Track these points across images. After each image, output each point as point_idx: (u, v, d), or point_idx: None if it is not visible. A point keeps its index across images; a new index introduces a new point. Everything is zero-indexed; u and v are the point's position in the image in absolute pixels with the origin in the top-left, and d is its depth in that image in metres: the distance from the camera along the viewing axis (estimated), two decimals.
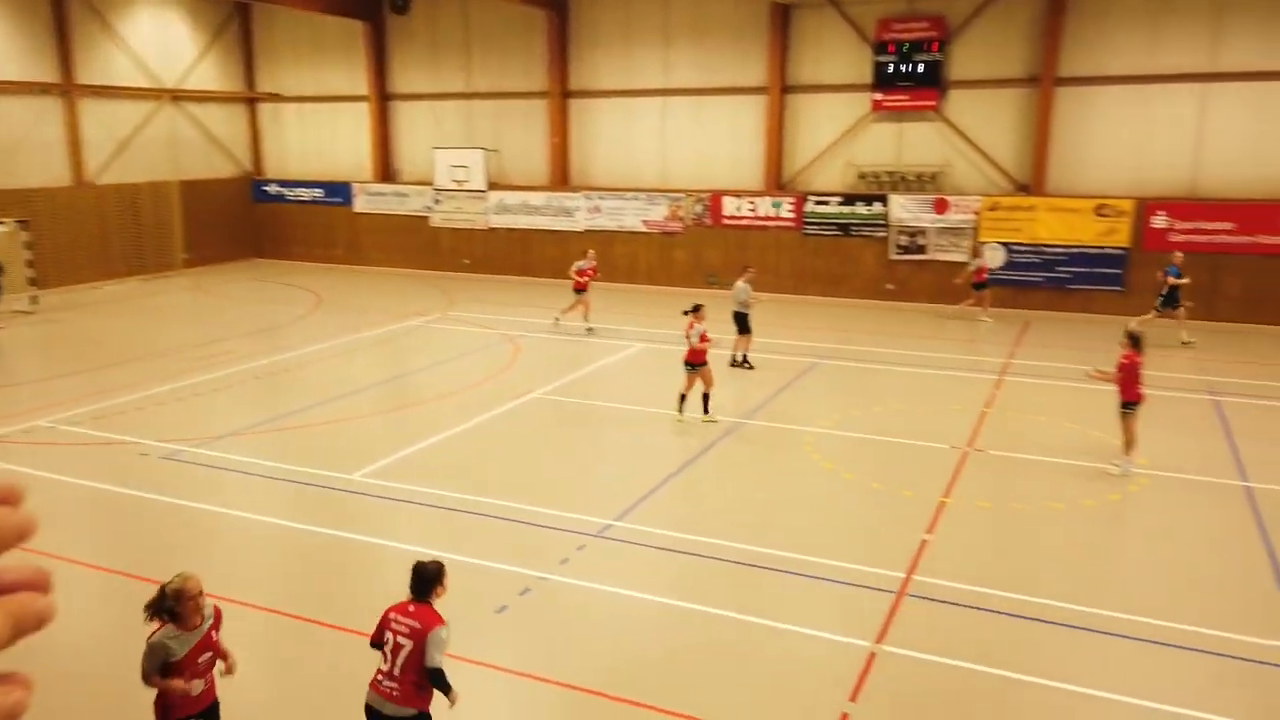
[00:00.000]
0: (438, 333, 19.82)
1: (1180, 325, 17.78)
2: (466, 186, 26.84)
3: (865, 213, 22.45)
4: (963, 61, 21.65)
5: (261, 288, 25.65)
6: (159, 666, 5.18)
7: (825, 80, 22.92)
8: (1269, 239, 19.25)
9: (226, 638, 5.56)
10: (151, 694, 5.30)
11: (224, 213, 29.57)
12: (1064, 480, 11.22)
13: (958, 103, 21.83)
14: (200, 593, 5.30)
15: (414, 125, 28.26)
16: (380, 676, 5.38)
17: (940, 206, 21.75)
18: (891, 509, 10.40)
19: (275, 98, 30.04)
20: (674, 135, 24.84)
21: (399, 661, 5.29)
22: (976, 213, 21.42)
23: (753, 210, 23.62)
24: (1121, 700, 6.83)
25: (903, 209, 22.08)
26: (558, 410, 14.23)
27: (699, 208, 24.17)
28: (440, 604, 5.51)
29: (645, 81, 24.82)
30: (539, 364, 16.92)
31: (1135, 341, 11.22)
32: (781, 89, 23.11)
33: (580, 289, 19.18)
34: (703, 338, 13.00)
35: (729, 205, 23.84)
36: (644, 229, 24.88)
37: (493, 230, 26.93)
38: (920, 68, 21.59)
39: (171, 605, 5.22)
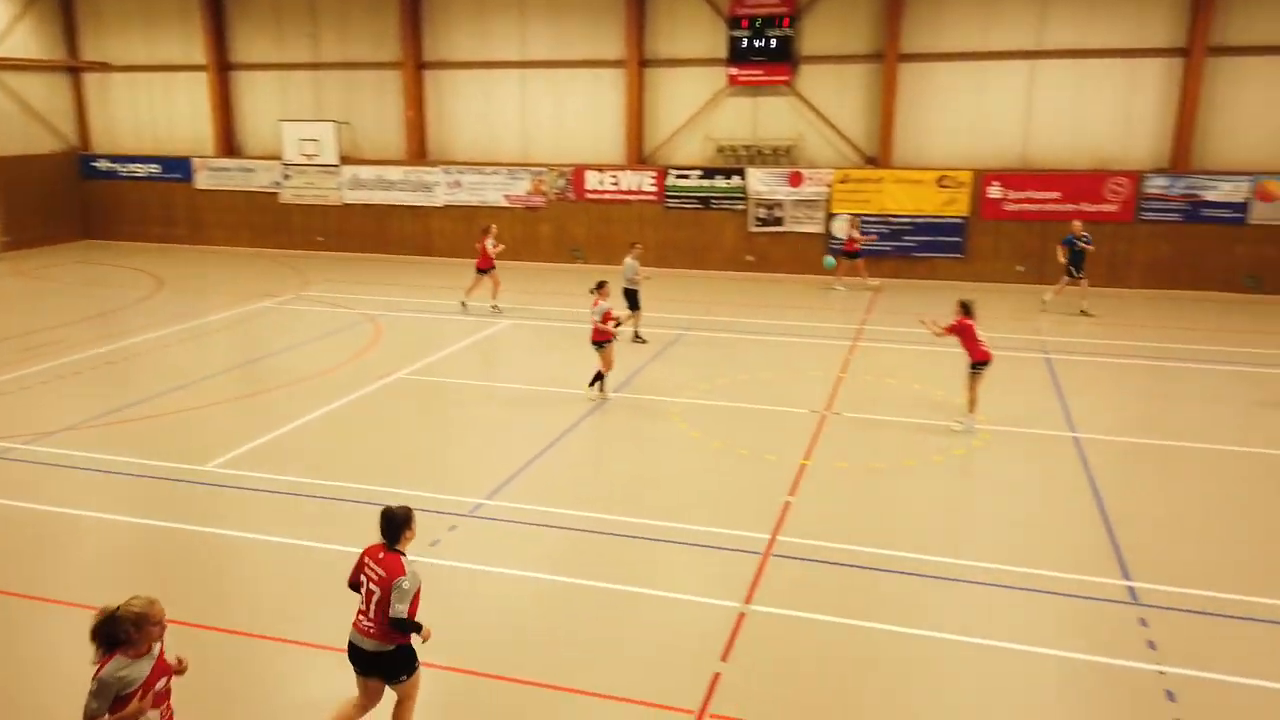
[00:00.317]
0: (292, 314, 19.05)
1: (1083, 294, 18.60)
2: (317, 161, 25.79)
3: (724, 186, 22.90)
4: (813, 37, 22.28)
5: (93, 271, 23.97)
6: (109, 703, 4.60)
7: (682, 55, 23.15)
8: (1092, 207, 20.77)
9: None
10: None
11: (47, 191, 27.42)
12: (914, 439, 11.87)
13: (809, 78, 22.47)
14: (164, 616, 4.80)
15: (258, 97, 26.87)
16: (360, 615, 5.65)
17: (795, 179, 22.41)
18: (756, 474, 10.75)
19: (103, 67, 27.93)
20: (534, 109, 24.58)
21: (372, 605, 5.59)
22: (829, 185, 22.18)
23: (615, 184, 23.70)
24: (974, 642, 7.34)
25: (760, 182, 22.63)
26: (423, 390, 13.98)
27: (561, 182, 24.06)
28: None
29: (502, 54, 24.42)
30: (402, 344, 16.53)
31: (966, 309, 12.01)
32: (639, 62, 23.20)
33: (485, 268, 18.73)
34: (605, 317, 12.90)
35: (591, 179, 23.83)
36: (506, 204, 24.59)
37: (347, 206, 26.02)
38: (773, 43, 22.09)
39: (128, 631, 4.66)
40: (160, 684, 4.84)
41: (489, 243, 18.74)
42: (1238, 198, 20.01)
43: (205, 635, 7.42)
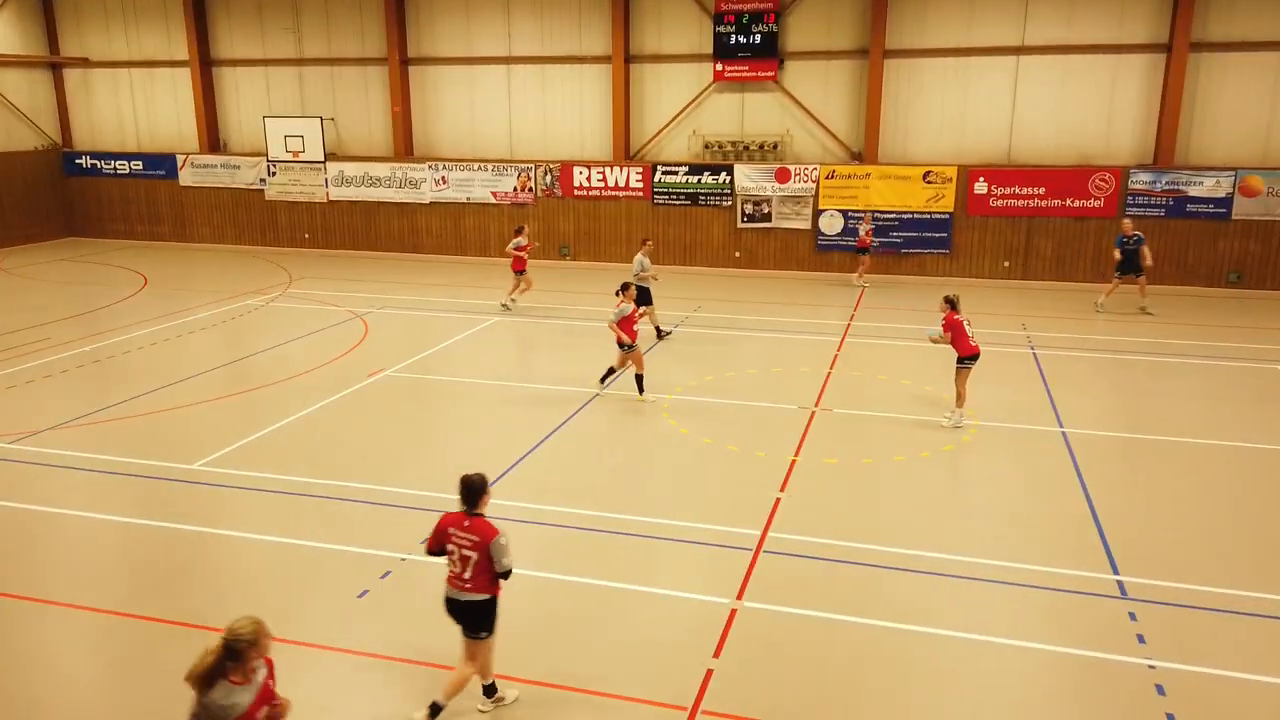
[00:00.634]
0: (280, 311, 18.95)
1: (1141, 293, 18.53)
2: (303, 158, 25.65)
3: (712, 182, 22.91)
4: (798, 33, 22.30)
5: (77, 269, 23.77)
6: None
7: (668, 50, 23.14)
8: (1075, 202, 20.90)
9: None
10: None
11: (29, 188, 27.20)
12: (904, 434, 11.91)
13: (795, 74, 22.50)
14: (269, 641, 4.67)
15: (242, 93, 26.70)
16: (452, 576, 6.24)
17: (782, 176, 22.44)
18: (746, 470, 10.77)
19: (84, 63, 27.68)
20: (521, 105, 24.51)
21: (469, 567, 6.15)
22: (816, 181, 22.22)
23: (603, 181, 23.67)
24: (965, 637, 7.38)
25: (747, 178, 22.65)
26: (413, 388, 13.93)
27: (549, 179, 24.01)
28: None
29: (488, 49, 24.34)
30: (391, 341, 16.47)
31: (952, 304, 12.05)
32: (626, 58, 23.17)
33: (519, 269, 18.54)
34: (626, 323, 12.80)
35: (579, 176, 23.79)
36: (494, 201, 24.52)
37: (333, 203, 25.89)
38: (758, 39, 22.10)
39: (240, 654, 4.52)
40: (261, 713, 4.71)
41: (517, 241, 18.50)
42: (1221, 193, 20.16)
43: (195, 634, 7.38)
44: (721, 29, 22.24)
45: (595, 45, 23.52)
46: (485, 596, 6.21)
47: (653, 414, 12.64)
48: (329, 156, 25.62)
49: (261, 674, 4.69)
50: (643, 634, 7.42)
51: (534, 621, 7.61)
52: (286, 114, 25.99)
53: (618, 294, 13.45)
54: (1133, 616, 7.63)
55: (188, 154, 26.90)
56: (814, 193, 22.30)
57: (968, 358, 12.02)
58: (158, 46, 26.88)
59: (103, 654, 7.28)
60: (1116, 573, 8.35)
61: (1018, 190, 21.18)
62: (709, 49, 22.61)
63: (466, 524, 6.19)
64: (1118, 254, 18.63)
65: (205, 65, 26.42)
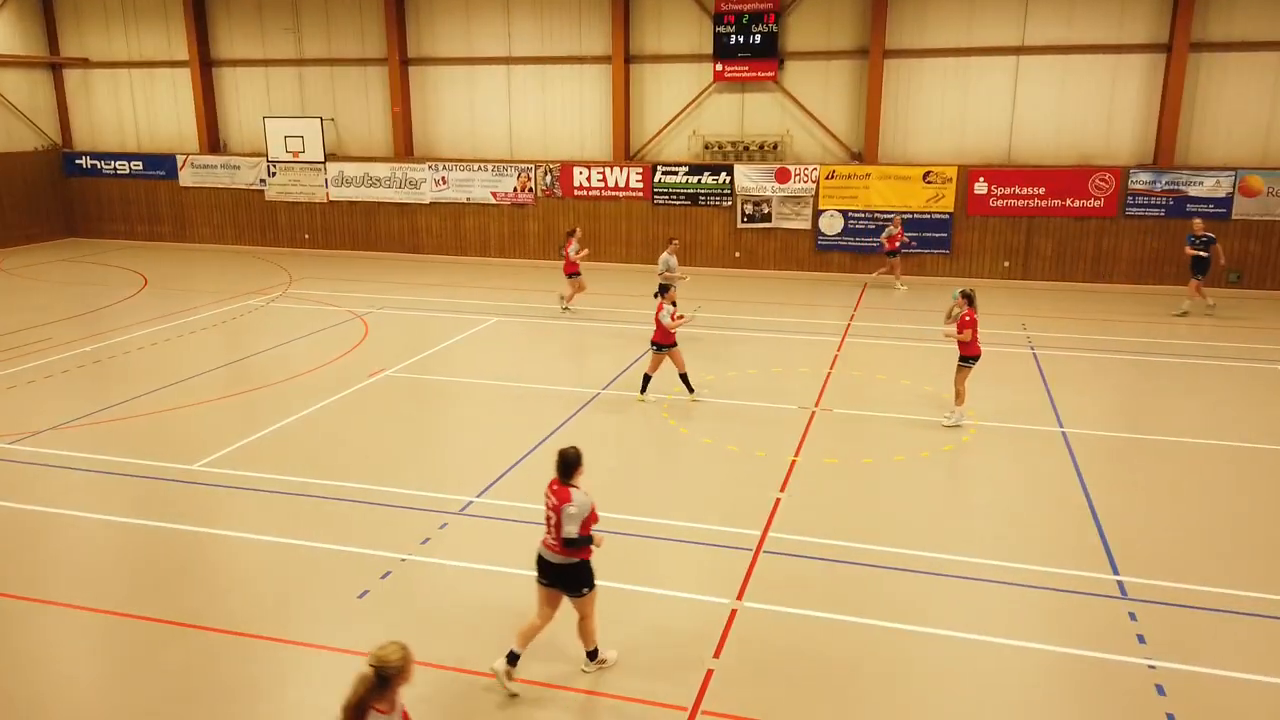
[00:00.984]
0: (280, 312, 18.96)
1: (1191, 294, 18.34)
2: (303, 158, 25.65)
3: (712, 182, 22.91)
4: (798, 33, 22.30)
5: (78, 269, 23.78)
6: None
7: (668, 50, 23.14)
8: (1075, 202, 20.90)
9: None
10: None
11: (30, 189, 27.21)
12: (904, 434, 11.91)
13: (795, 74, 22.50)
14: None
15: (242, 93, 26.71)
16: (546, 536, 6.69)
17: (782, 176, 22.44)
18: (746, 470, 10.77)
19: (83, 63, 27.69)
20: (520, 105, 24.52)
21: (552, 527, 6.62)
22: (816, 181, 22.22)
23: (603, 181, 23.67)
24: (965, 637, 7.38)
25: (747, 178, 22.65)
26: (413, 388, 13.93)
27: (549, 179, 24.02)
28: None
29: (488, 49, 24.35)
30: (391, 341, 16.48)
31: (970, 300, 12.00)
32: (626, 59, 23.17)
33: (572, 272, 18.42)
34: (674, 316, 12.73)
35: (579, 176, 23.79)
36: (494, 201, 24.53)
37: (333, 203, 25.90)
38: (758, 39, 22.10)
39: (388, 682, 4.47)
40: None
41: (573, 247, 18.38)
42: (1221, 193, 20.16)
43: (197, 635, 7.39)
44: (721, 29, 22.25)
45: (595, 45, 23.53)
46: (573, 561, 6.62)
47: (653, 414, 12.64)
48: (329, 157, 25.63)
49: (400, 703, 4.65)
50: (643, 634, 7.42)
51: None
52: (286, 114, 26.00)
53: (657, 296, 13.40)
54: (1133, 616, 7.63)
55: (188, 154, 26.90)
56: (814, 193, 22.30)
57: (972, 358, 12.01)
58: (158, 47, 26.89)
59: (103, 654, 7.28)
60: (1116, 573, 8.35)
61: (1018, 190, 21.18)
62: (709, 49, 22.61)
63: (555, 488, 6.68)
64: (1190, 251, 18.24)
65: (205, 65, 26.43)
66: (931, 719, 6.46)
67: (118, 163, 27.59)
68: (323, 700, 6.65)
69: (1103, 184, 20.68)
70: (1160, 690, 6.68)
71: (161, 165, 27.19)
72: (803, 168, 22.28)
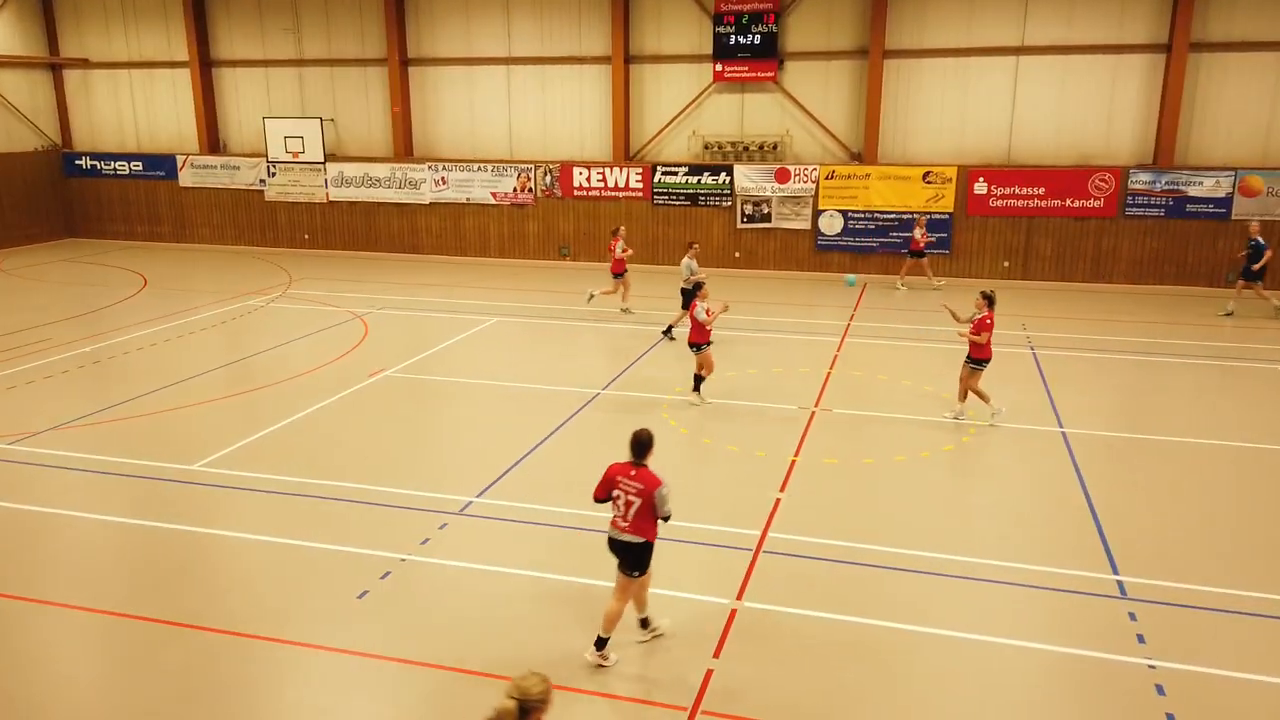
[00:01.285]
0: (280, 312, 18.95)
1: (1259, 295, 18.35)
2: (303, 158, 25.65)
3: (712, 183, 22.91)
4: (798, 33, 22.30)
5: (78, 269, 23.78)
6: None
7: (668, 51, 23.14)
8: (1075, 203, 20.90)
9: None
10: None
11: (30, 189, 27.21)
12: (904, 434, 11.90)
13: (794, 74, 22.50)
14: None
15: (242, 93, 26.71)
16: (617, 519, 6.94)
17: (782, 176, 22.44)
18: (746, 470, 10.77)
19: (83, 64, 27.69)
20: (520, 105, 24.52)
21: (631, 512, 6.86)
22: (815, 181, 22.22)
23: (602, 181, 23.67)
24: (966, 637, 7.37)
25: (747, 178, 22.65)
26: (413, 388, 13.93)
27: (549, 179, 24.02)
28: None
29: (487, 50, 24.35)
30: (391, 341, 16.47)
31: (991, 302, 11.98)
32: (625, 59, 23.17)
33: (619, 271, 18.31)
34: (708, 313, 12.69)
35: (579, 176, 23.79)
36: (493, 201, 24.53)
37: (333, 204, 25.90)
38: (758, 39, 22.10)
39: (530, 714, 4.39)
40: None
41: (619, 245, 18.30)
42: (1220, 193, 20.16)
43: (196, 635, 7.38)
44: (721, 29, 22.25)
45: (595, 45, 23.53)
46: (641, 540, 6.87)
47: (652, 414, 12.64)
48: (329, 157, 25.63)
49: None
50: (642, 635, 7.41)
51: (533, 621, 7.61)
52: (286, 115, 26.00)
53: (685, 307, 13.41)
54: (1133, 616, 7.63)
55: (187, 155, 26.91)
56: (814, 193, 22.30)
57: (984, 360, 11.99)
58: (157, 47, 26.89)
59: (102, 655, 7.28)
60: (1116, 572, 8.34)
61: (1017, 190, 21.18)
62: (709, 49, 22.61)
63: (633, 473, 6.88)
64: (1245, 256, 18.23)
65: (205, 66, 26.43)
66: (932, 719, 6.45)
67: (117, 163, 27.59)
68: (322, 700, 6.66)
69: (1102, 184, 20.68)
70: (1160, 690, 6.68)
71: (161, 166, 27.18)
72: (802, 168, 22.28)
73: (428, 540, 8.94)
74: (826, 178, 22.14)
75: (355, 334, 16.97)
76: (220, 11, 26.15)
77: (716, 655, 7.11)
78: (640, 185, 23.39)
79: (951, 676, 6.90)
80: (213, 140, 26.92)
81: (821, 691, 6.72)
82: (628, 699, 6.62)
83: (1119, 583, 8.18)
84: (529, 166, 24.09)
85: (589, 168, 23.69)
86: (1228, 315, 18.25)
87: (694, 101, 23.14)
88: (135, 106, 27.72)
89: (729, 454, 11.25)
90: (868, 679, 6.87)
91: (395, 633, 7.44)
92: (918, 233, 20.76)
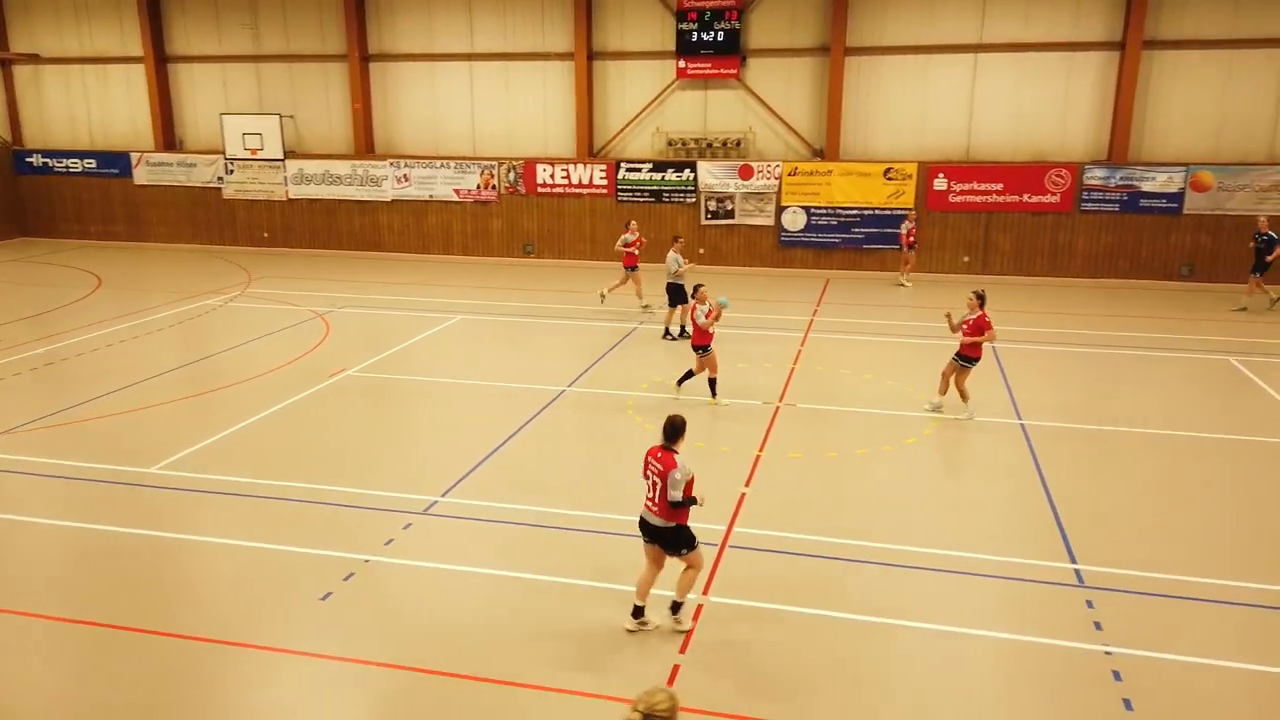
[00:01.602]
0: (239, 311, 18.69)
1: (1264, 289, 18.59)
2: (261, 155, 25.31)
3: (676, 179, 22.95)
4: (760, 31, 22.40)
5: (30, 269, 23.27)
6: None
7: (631, 47, 23.14)
8: (1032, 198, 21.22)
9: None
10: None
11: None
12: (866, 428, 12.03)
13: (757, 71, 22.60)
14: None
15: (198, 90, 26.28)
16: (648, 500, 7.21)
17: (745, 172, 22.54)
18: (711, 466, 10.79)
19: (33, 59, 27.08)
20: (483, 102, 24.38)
21: (656, 493, 7.12)
22: (778, 178, 22.35)
23: (566, 178, 23.61)
24: (929, 628, 7.47)
25: (711, 175, 22.72)
26: (375, 387, 13.81)
27: (512, 176, 23.92)
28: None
29: (450, 46, 24.18)
30: (353, 340, 16.32)
31: (983, 300, 12.08)
32: (589, 55, 23.13)
33: (630, 265, 18.10)
34: (708, 314, 12.59)
35: (542, 173, 23.72)
36: (456, 198, 24.37)
37: (293, 201, 25.59)
38: (721, 36, 22.18)
39: None
40: None
41: (626, 238, 18.09)
42: (1173, 188, 20.58)
43: (156, 641, 7.27)
44: (684, 26, 22.28)
45: (558, 42, 23.46)
46: (671, 525, 7.13)
47: (617, 410, 12.65)
48: (288, 154, 25.31)
49: None
50: (610, 631, 7.42)
51: (500, 623, 7.58)
52: (244, 111, 25.63)
53: (690, 298, 13.37)
54: (1090, 604, 7.78)
55: (142, 152, 26.43)
56: (777, 189, 22.43)
57: (976, 359, 12.08)
58: (110, 42, 26.37)
59: (61, 663, 7.14)
60: (1074, 561, 8.50)
61: (976, 186, 21.47)
62: (672, 46, 22.64)
63: (659, 455, 7.15)
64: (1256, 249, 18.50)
65: (160, 62, 25.97)
66: (894, 709, 6.53)
67: (70, 160, 27.04)
68: (285, 704, 6.59)
69: (1059, 180, 21.02)
70: (1117, 675, 6.82)
71: (115, 163, 26.68)
72: (766, 164, 22.40)
73: (391, 541, 8.88)
74: (789, 174, 22.27)
75: (316, 333, 16.78)
76: (175, 6, 25.70)
77: (683, 651, 7.14)
78: (604, 182, 23.37)
79: (913, 667, 7.00)
80: (168, 137, 26.47)
81: (788, 684, 6.78)
82: (595, 695, 6.62)
83: (1076, 571, 8.33)
84: (492, 163, 23.97)
85: (553, 164, 23.62)
86: (1241, 310, 18.59)
87: (657, 98, 23.17)
88: (88, 103, 27.16)
89: (694, 450, 11.27)
90: (833, 671, 6.94)
91: (359, 634, 7.38)
92: (904, 227, 20.86)
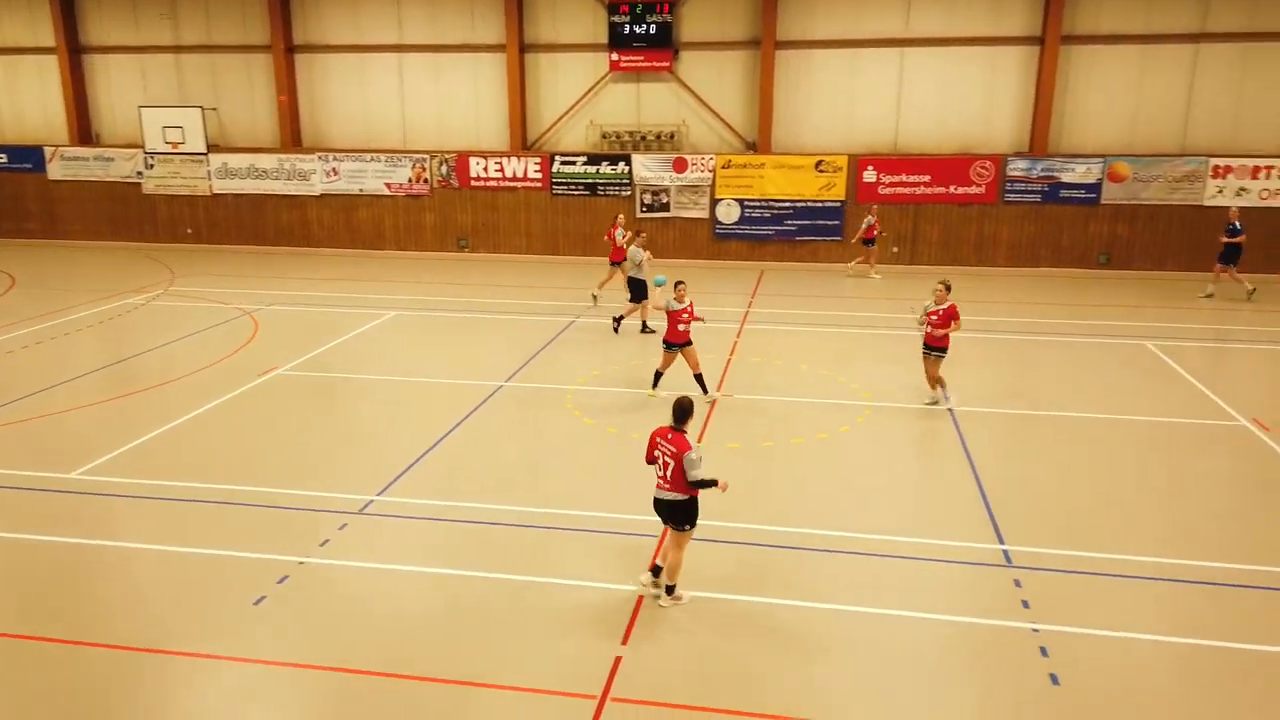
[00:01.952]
0: (162, 310, 18.15)
1: (1238, 278, 18.96)
2: (183, 149, 24.57)
3: (610, 172, 22.93)
4: (692, 24, 22.50)
5: None
6: None
7: (563, 40, 23.03)
8: (958, 189, 21.73)
9: None
10: None
11: None
12: (801, 417, 12.21)
13: (689, 64, 22.69)
14: None
15: (114, 82, 25.39)
16: (660, 480, 7.54)
17: (679, 165, 22.63)
18: None
19: None
20: (413, 94, 24.03)
21: (669, 473, 7.44)
22: (712, 171, 22.49)
23: (500, 171, 23.42)
24: (865, 611, 7.63)
25: (645, 168, 22.76)
26: (307, 386, 13.55)
27: (444, 169, 23.63)
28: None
29: (378, 37, 23.77)
30: (283, 338, 15.97)
31: (949, 288, 12.26)
32: (520, 48, 22.96)
33: (616, 260, 17.79)
34: (689, 314, 12.52)
35: (475, 166, 23.48)
36: (388, 192, 24.00)
37: (217, 196, 24.91)
38: (653, 29, 22.21)
39: None
40: None
41: (618, 233, 17.84)
42: (1091, 179, 21.27)
43: (83, 653, 7.05)
44: (616, 19, 22.26)
45: (488, 34, 23.24)
46: (682, 497, 7.45)
47: (556, 405, 12.62)
48: (211, 148, 24.63)
49: None
50: (552, 624, 7.43)
51: (441, 621, 7.53)
52: (164, 104, 24.84)
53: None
54: (1017, 583, 8.03)
55: (56, 146, 25.45)
56: (711, 182, 22.57)
57: (946, 349, 12.26)
58: (20, 32, 25.31)
59: None
60: (1002, 542, 8.76)
61: (904, 178, 21.90)
62: (604, 39, 22.60)
63: (669, 436, 7.43)
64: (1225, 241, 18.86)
65: (74, 53, 25.01)
66: (832, 692, 6.66)
67: None
68: (220, 711, 6.44)
69: (983, 171, 21.56)
70: (1044, 652, 7.06)
71: (28, 158, 25.63)
72: (700, 157, 22.52)
73: (327, 541, 8.73)
74: (723, 167, 22.43)
75: (244, 331, 16.39)
76: None
77: (624, 642, 7.18)
78: (539, 175, 23.24)
79: (849, 650, 7.14)
80: (84, 131, 25.54)
81: (728, 671, 6.86)
82: (538, 690, 6.62)
83: (1004, 551, 8.59)
84: (424, 156, 23.65)
85: (486, 157, 23.41)
86: (1208, 297, 19.13)
87: (591, 91, 23.11)
88: None
89: (633, 442, 11.33)
90: (771, 656, 7.05)
91: (295, 638, 7.25)
92: (869, 220, 20.99)
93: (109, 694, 6.61)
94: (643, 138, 23.02)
